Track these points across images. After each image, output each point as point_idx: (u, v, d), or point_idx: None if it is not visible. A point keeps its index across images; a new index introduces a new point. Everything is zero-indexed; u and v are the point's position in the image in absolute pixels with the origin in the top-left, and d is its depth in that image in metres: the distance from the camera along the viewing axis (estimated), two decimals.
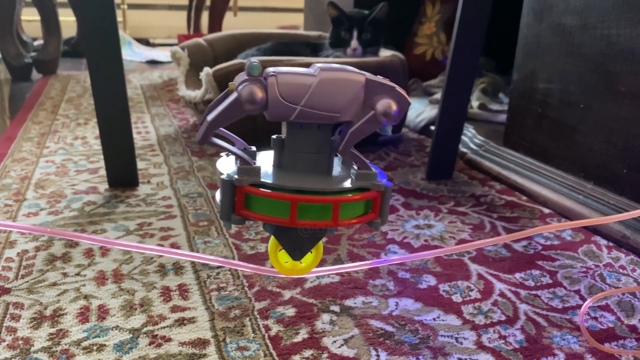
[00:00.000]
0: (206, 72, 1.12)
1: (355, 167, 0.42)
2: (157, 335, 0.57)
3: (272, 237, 0.44)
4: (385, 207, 0.42)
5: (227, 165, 0.42)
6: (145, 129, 1.39)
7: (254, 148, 0.44)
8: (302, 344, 0.56)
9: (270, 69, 0.40)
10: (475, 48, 0.96)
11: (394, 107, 0.40)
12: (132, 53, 3.05)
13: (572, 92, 0.94)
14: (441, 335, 0.58)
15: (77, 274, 0.68)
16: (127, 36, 3.23)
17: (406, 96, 0.41)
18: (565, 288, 0.68)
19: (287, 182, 0.40)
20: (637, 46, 0.80)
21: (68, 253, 0.73)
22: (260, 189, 0.39)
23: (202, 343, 0.56)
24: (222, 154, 0.45)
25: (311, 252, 0.45)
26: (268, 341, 0.56)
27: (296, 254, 0.43)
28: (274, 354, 0.54)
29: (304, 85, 0.39)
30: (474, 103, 1.45)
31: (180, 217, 0.85)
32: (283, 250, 0.45)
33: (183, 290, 0.65)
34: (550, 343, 0.57)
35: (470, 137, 1.23)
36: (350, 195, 0.40)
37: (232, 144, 0.45)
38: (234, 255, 0.73)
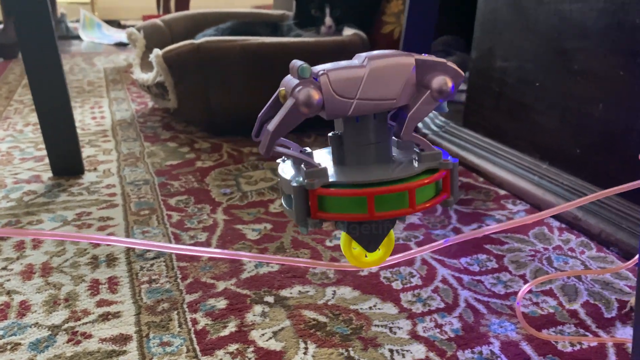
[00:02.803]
0: (156, 53, 1.08)
1: (416, 149, 0.42)
2: (77, 332, 0.54)
3: (344, 233, 0.44)
4: (455, 184, 0.42)
5: (287, 171, 0.42)
6: (102, 114, 1.35)
7: (308, 149, 0.43)
8: (228, 338, 0.53)
9: (317, 68, 0.40)
10: (428, 26, 0.93)
11: (449, 83, 0.40)
12: (101, 35, 2.98)
13: (529, 70, 0.91)
14: (375, 325, 0.56)
15: (4, 269, 0.65)
16: (96, 18, 3.15)
17: (458, 70, 0.40)
18: (510, 273, 0.66)
19: (358, 177, 0.39)
20: (589, 22, 0.77)
21: None
22: (333, 188, 0.39)
23: (123, 339, 0.53)
24: (279, 160, 0.44)
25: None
26: (193, 335, 0.54)
27: (371, 246, 0.43)
28: (197, 349, 0.52)
29: (356, 78, 0.39)
30: None
31: (122, 206, 0.82)
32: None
33: (113, 284, 0.62)
34: (487, 331, 0.55)
35: (432, 118, 1.20)
36: (423, 178, 0.40)
37: (287, 148, 0.44)
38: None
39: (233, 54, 1.07)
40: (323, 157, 0.45)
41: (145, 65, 1.31)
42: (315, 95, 0.38)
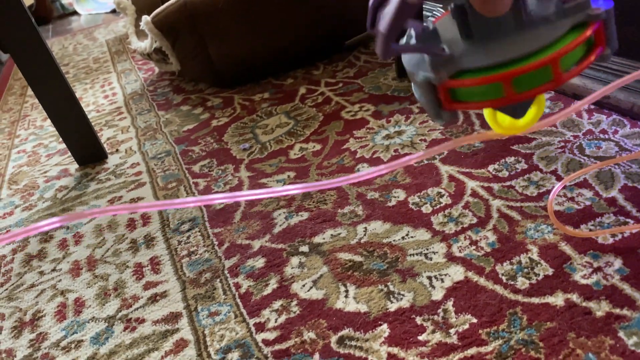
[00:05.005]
0: (145, 20, 1.05)
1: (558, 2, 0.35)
2: (130, 318, 0.57)
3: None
4: (611, 31, 0.35)
5: (411, 60, 0.37)
6: (112, 90, 1.35)
7: (431, 25, 0.37)
8: (271, 295, 0.55)
9: None
10: None
11: None
12: (96, 6, 2.93)
13: None
14: (410, 254, 0.56)
15: (53, 270, 0.68)
16: None
17: None
18: (541, 171, 0.64)
19: (488, 58, 0.34)
20: None
21: (43, 249, 0.73)
22: (464, 78, 0.34)
23: (174, 317, 0.55)
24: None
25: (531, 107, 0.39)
26: (238, 300, 0.55)
27: (517, 113, 0.38)
28: (244, 312, 0.54)
29: None
30: None
31: (149, 182, 0.84)
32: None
33: (155, 264, 0.65)
34: (523, 238, 0.54)
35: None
36: (568, 43, 0.34)
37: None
38: (204, 213, 0.72)
39: (221, 2, 1.03)
40: (450, 27, 0.39)
41: (141, 32, 1.29)
42: None
